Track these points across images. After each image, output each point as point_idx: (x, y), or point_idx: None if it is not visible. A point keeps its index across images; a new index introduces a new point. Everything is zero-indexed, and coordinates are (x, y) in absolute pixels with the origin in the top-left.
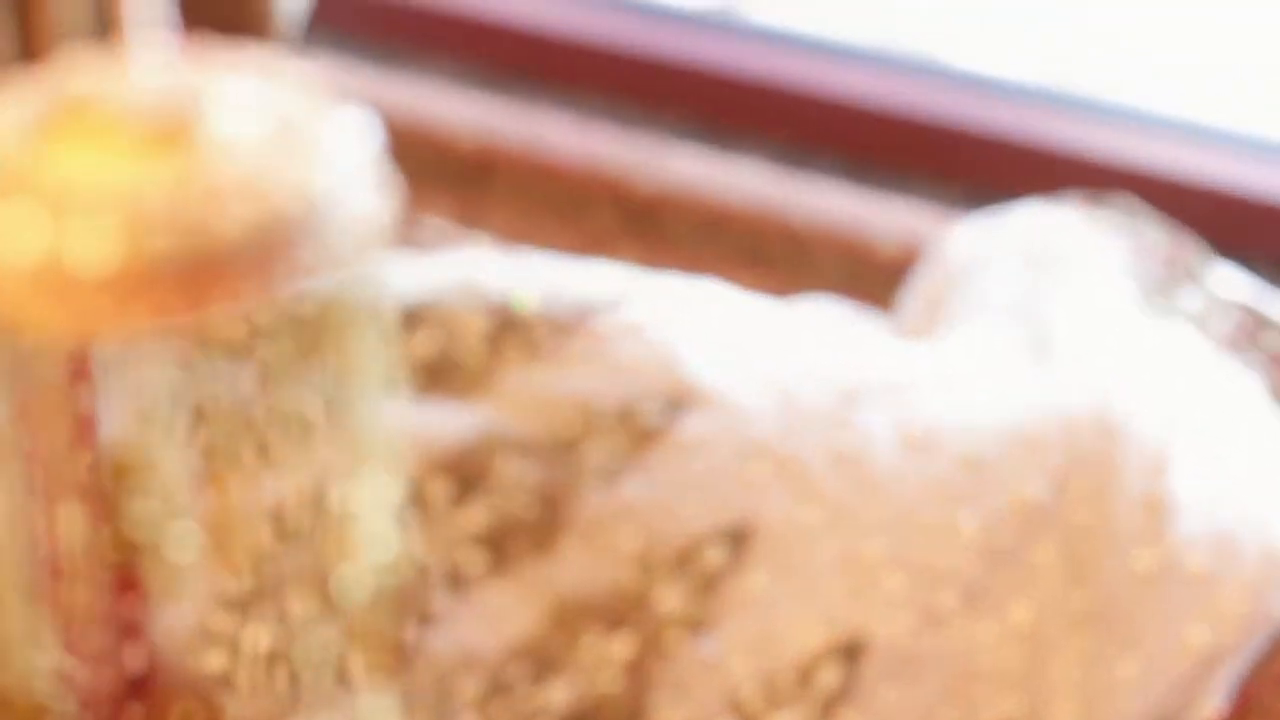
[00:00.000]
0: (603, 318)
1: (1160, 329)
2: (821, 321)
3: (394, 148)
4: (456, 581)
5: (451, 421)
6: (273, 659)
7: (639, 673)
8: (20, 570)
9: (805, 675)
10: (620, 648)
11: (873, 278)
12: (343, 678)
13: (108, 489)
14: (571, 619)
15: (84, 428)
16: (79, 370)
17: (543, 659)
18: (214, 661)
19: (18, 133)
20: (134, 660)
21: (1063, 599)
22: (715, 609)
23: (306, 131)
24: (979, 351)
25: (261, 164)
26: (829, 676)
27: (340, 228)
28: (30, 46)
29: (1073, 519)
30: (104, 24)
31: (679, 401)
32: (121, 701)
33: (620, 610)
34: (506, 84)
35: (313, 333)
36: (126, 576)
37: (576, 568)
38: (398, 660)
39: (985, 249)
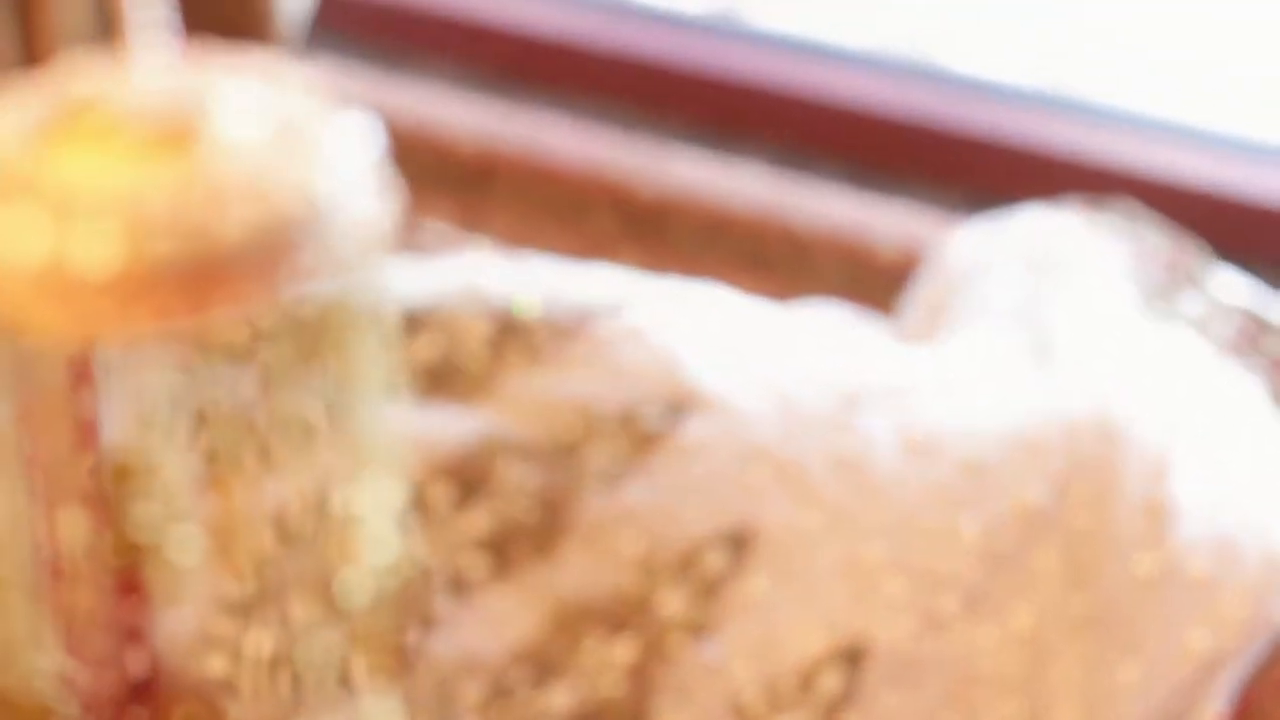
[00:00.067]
0: (604, 322)
1: (1161, 333)
2: (822, 325)
3: (395, 151)
4: (458, 585)
5: (453, 426)
6: (275, 663)
7: (641, 677)
8: (22, 573)
9: (807, 680)
10: (622, 652)
11: (873, 282)
12: (345, 681)
13: (110, 492)
14: (573, 623)
15: (86, 431)
16: (81, 373)
17: (544, 663)
18: (216, 665)
19: (20, 136)
20: (136, 664)
21: (1063, 603)
22: (717, 613)
23: (308, 135)
24: (980, 356)
25: (263, 167)
26: (830, 681)
27: (342, 231)
28: (32, 50)
29: (1074, 523)
30: (106, 28)
31: (680, 405)
32: (123, 705)
33: (622, 614)
34: (508, 88)
35: (314, 336)
36: (128, 580)
37: (578, 571)
38: (400, 664)
39: (986, 253)
